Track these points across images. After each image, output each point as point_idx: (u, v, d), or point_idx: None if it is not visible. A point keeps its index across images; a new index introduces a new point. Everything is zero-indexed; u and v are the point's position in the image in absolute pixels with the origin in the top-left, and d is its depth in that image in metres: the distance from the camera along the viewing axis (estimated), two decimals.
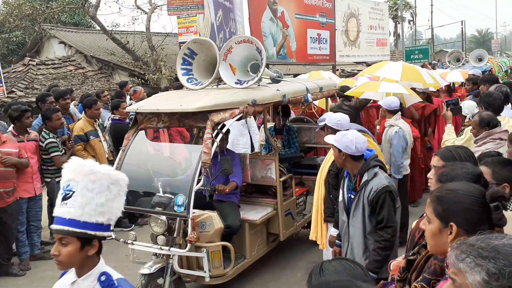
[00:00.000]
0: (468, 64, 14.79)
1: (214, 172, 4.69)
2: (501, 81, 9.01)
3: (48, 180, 6.16)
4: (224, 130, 4.43)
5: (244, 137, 7.51)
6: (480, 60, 14.35)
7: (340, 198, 3.70)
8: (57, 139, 6.11)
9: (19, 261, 5.80)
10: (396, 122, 5.72)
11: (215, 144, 4.22)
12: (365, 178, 3.45)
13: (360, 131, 4.92)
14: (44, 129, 6.08)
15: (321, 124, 4.67)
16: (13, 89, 11.97)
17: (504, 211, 1.83)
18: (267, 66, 18.11)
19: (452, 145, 2.92)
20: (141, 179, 4.76)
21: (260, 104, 4.67)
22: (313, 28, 17.59)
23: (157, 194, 4.33)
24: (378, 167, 3.48)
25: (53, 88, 8.70)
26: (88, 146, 6.54)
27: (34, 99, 11.06)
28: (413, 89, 7.51)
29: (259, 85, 4.98)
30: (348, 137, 3.46)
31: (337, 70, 20.42)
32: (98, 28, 16.97)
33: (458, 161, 2.55)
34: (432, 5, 39.49)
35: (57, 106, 6.70)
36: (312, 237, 4.53)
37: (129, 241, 4.45)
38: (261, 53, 4.79)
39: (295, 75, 18.09)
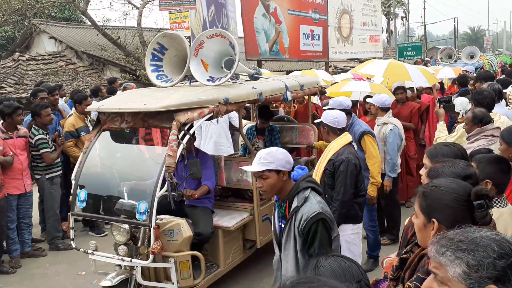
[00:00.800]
0: (460, 61, 14.87)
1: (184, 175, 4.43)
2: None
3: (38, 177, 6.09)
4: (192, 131, 4.12)
5: (228, 137, 7.27)
6: (472, 57, 14.44)
7: (272, 228, 3.20)
8: (47, 135, 6.04)
9: (10, 258, 5.74)
10: (390, 120, 5.71)
11: (181, 147, 3.92)
12: (295, 203, 2.90)
13: (367, 132, 4.87)
14: (33, 126, 6.01)
15: (317, 121, 4.54)
16: (3, 85, 11.85)
17: (492, 208, 1.86)
18: (259, 62, 17.97)
19: (439, 142, 2.92)
20: (105, 183, 4.54)
21: (233, 102, 4.37)
22: (306, 24, 17.56)
23: (120, 199, 4.03)
24: (310, 189, 2.93)
25: (42, 84, 8.61)
26: (79, 142, 6.48)
27: (24, 95, 10.96)
28: (400, 87, 7.39)
29: (233, 82, 4.73)
30: (281, 152, 2.93)
31: (330, 66, 20.44)
32: (89, 23, 16.83)
33: (440, 158, 2.54)
34: (424, 1, 39.58)
35: (46, 102, 6.64)
36: None
37: (89, 251, 4.19)
38: (234, 48, 4.48)
39: (288, 72, 18.11)
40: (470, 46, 16.23)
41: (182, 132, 3.97)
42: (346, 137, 4.22)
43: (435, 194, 1.87)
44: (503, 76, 10.46)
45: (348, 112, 4.71)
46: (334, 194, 4.08)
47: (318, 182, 4.25)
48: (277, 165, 2.86)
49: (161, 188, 3.87)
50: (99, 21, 16.17)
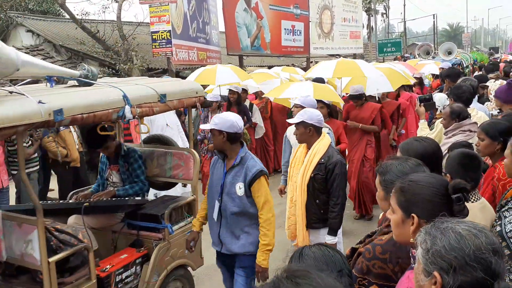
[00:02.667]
0: (438, 57, 15.06)
1: None
2: None
3: (15, 172, 5.98)
4: None
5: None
6: (450, 53, 14.62)
7: None
8: None
9: None
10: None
11: None
12: None
13: (265, 172, 3.63)
14: None
15: (293, 121, 4.03)
16: None
17: (467, 202, 1.86)
18: (241, 57, 17.97)
19: (412, 137, 2.93)
20: None
21: None
22: (287, 19, 17.60)
23: None
24: None
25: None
26: (58, 137, 6.38)
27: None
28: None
29: (12, 93, 2.86)
30: None
31: (311, 62, 20.51)
32: (67, 16, 16.54)
33: (411, 153, 2.55)
34: None
35: None
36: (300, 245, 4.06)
37: None
38: None
39: (270, 67, 18.12)
40: (447, 43, 16.43)
41: None
42: (327, 137, 4.09)
43: (414, 189, 1.85)
44: (481, 72, 10.63)
45: (238, 138, 3.50)
46: (334, 199, 3.89)
47: (305, 188, 3.97)
48: None
49: None
50: (77, 14, 15.91)
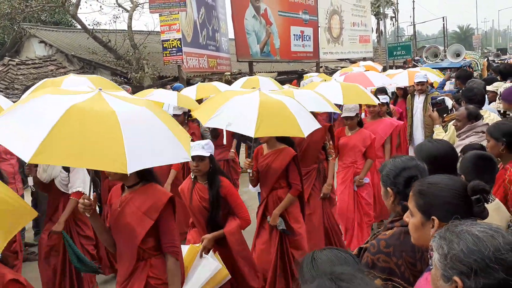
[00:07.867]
0: (446, 60, 14.85)
1: None
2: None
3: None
4: None
5: None
6: (458, 55, 14.41)
7: None
8: None
9: None
10: None
11: None
12: None
13: None
14: None
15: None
16: None
17: (486, 204, 1.85)
18: (251, 64, 18.00)
19: (427, 139, 2.96)
20: None
21: None
22: (296, 25, 17.65)
23: None
24: None
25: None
26: None
27: (14, 100, 10.89)
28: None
29: None
30: None
31: (321, 67, 20.51)
32: (79, 27, 16.76)
33: (424, 154, 2.63)
34: (414, 1, 39.77)
35: None
36: None
37: None
38: None
39: (280, 73, 18.11)
40: (455, 45, 16.08)
41: None
42: None
43: (433, 191, 1.83)
44: (493, 74, 10.52)
45: None
46: None
47: None
48: None
49: None
50: (89, 25, 16.10)
